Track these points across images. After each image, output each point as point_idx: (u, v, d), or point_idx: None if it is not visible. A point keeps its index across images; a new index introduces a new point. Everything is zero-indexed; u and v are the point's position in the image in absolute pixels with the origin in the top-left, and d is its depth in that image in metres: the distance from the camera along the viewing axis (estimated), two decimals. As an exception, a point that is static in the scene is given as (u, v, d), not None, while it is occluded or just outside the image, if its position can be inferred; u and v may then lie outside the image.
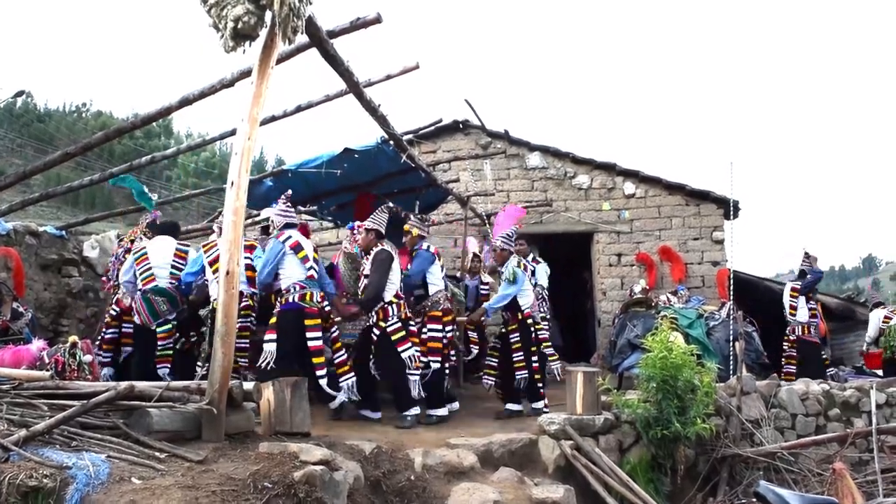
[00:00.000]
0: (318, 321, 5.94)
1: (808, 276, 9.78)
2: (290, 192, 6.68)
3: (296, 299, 5.89)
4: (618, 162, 12.14)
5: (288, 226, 6.26)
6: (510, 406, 7.02)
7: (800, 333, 9.51)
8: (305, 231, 8.68)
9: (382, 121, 6.06)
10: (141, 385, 4.09)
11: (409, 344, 6.30)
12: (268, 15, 3.77)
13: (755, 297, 11.42)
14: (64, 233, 9.16)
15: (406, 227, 7.16)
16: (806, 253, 10.05)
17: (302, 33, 4.02)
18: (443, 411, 6.59)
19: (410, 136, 8.36)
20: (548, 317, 8.24)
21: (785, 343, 9.60)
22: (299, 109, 6.76)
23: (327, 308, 6.25)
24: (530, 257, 8.08)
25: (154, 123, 31.43)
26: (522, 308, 7.02)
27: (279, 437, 4.18)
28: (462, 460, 4.85)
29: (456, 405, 7.14)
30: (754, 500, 3.81)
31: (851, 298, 12.93)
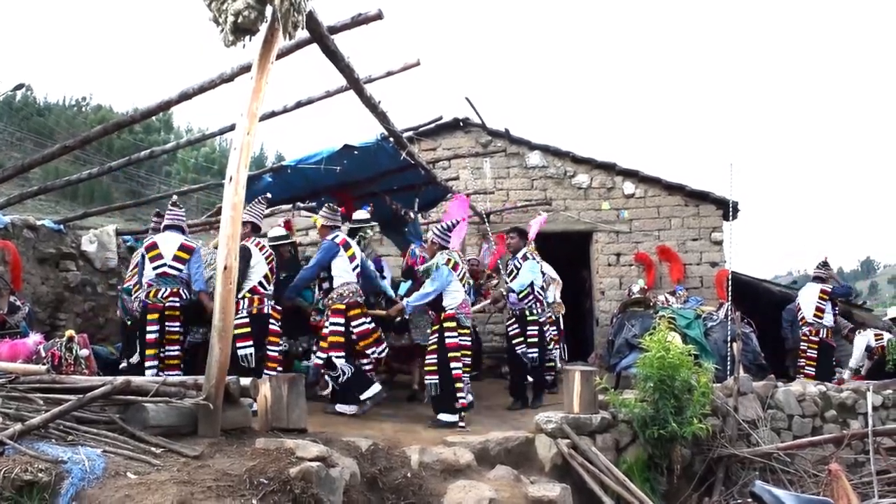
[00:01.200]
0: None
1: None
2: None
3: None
4: (617, 162, 12.15)
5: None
6: (441, 416, 6.31)
7: (823, 336, 9.56)
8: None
9: (382, 117, 6.05)
10: (137, 380, 4.08)
11: (249, 342, 6.17)
12: (268, 10, 3.76)
13: (753, 298, 11.42)
14: (62, 227, 9.14)
15: (314, 217, 7.13)
16: (825, 261, 10.21)
17: (302, 28, 4.01)
18: (350, 409, 6.31)
19: (410, 133, 8.37)
20: (539, 318, 7.70)
21: (804, 344, 9.58)
22: (299, 105, 6.75)
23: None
24: (520, 254, 7.68)
25: (154, 118, 31.48)
26: (446, 308, 6.49)
27: (276, 434, 4.18)
28: (459, 458, 4.84)
29: (375, 388, 6.48)
30: (750, 500, 3.81)
31: (849, 301, 12.93)
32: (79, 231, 9.77)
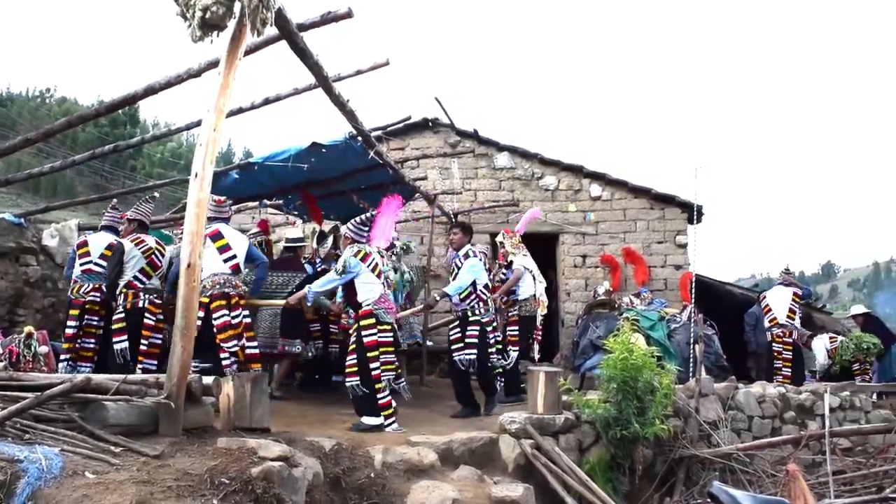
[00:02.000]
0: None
1: (805, 289, 10.43)
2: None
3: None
4: (585, 164, 12.24)
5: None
6: (364, 419, 5.99)
7: (795, 338, 9.75)
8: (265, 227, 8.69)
9: (351, 116, 6.03)
10: (98, 378, 4.03)
11: (124, 336, 6.36)
12: (237, 6, 3.72)
13: (716, 300, 11.59)
14: (23, 220, 8.96)
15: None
16: (787, 268, 10.71)
17: (271, 25, 3.99)
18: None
19: (379, 132, 8.35)
20: (482, 318, 7.09)
21: (778, 346, 9.72)
22: (267, 102, 6.70)
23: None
24: (462, 252, 7.22)
25: (120, 112, 31.01)
26: (362, 304, 6.17)
27: (238, 433, 4.14)
28: (422, 458, 4.84)
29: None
30: (708, 500, 3.86)
31: (810, 304, 13.18)
32: (40, 225, 9.59)
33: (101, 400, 3.76)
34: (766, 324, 9.89)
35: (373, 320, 6.07)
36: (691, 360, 8.37)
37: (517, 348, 8.03)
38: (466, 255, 7.21)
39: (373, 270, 6.21)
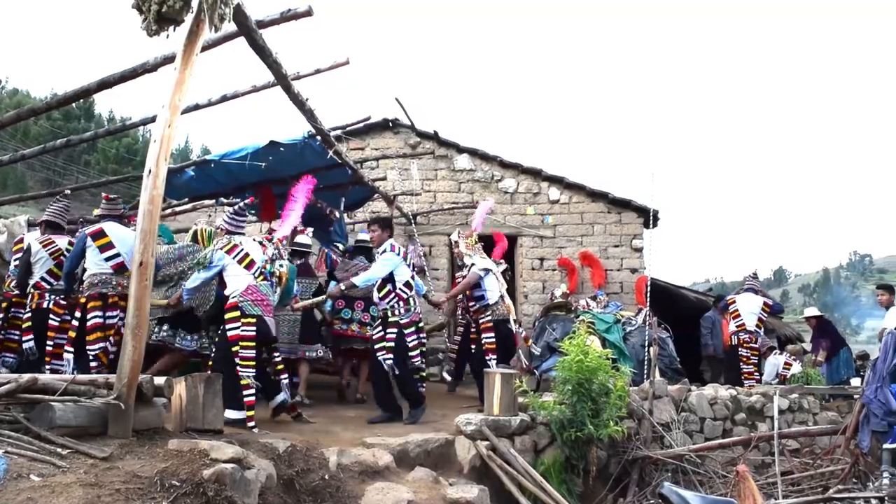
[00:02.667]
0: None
1: (776, 304, 10.57)
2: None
3: None
4: (544, 168, 12.32)
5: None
6: (227, 413, 5.34)
7: (759, 345, 9.89)
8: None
9: (310, 115, 5.99)
10: (45, 378, 3.93)
11: (30, 336, 6.41)
12: (194, 0, 3.67)
13: (671, 304, 11.76)
14: (-32, 216, 8.74)
15: None
16: (755, 273, 10.80)
17: (230, 21, 3.94)
18: None
19: (339, 132, 8.29)
20: (401, 319, 6.65)
21: (746, 352, 9.78)
22: (225, 99, 6.62)
23: None
24: (381, 249, 6.80)
25: (74, 105, 30.40)
26: (229, 296, 5.92)
27: (190, 434, 4.08)
28: (377, 460, 4.83)
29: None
30: (660, 501, 3.92)
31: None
32: (-13, 220, 9.34)
33: (47, 400, 3.67)
34: (733, 328, 9.96)
35: (237, 313, 5.79)
36: (646, 362, 8.48)
37: (495, 356, 7.49)
38: (384, 251, 6.80)
39: (240, 262, 5.94)
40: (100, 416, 3.80)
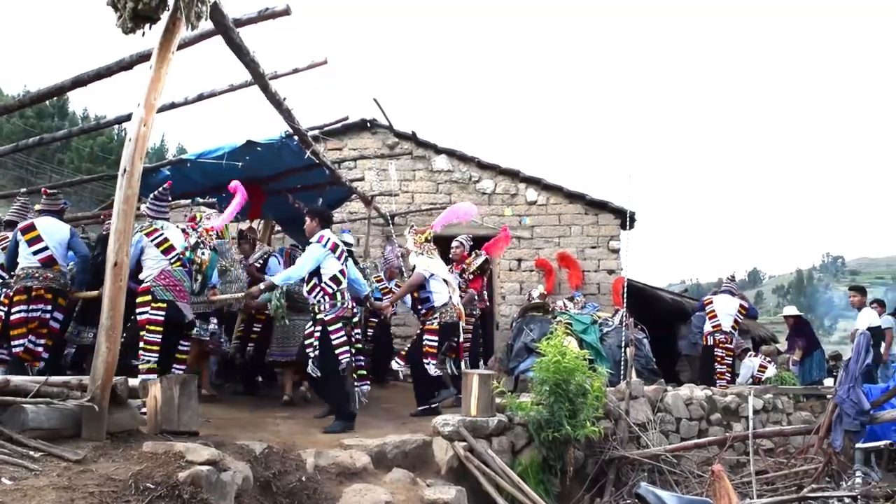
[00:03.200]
0: None
1: (752, 308, 10.61)
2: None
3: None
4: (521, 169, 12.34)
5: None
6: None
7: (734, 346, 9.96)
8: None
9: (287, 115, 5.96)
10: (16, 379, 3.88)
11: None
12: (171, -2, 3.64)
13: (647, 305, 11.83)
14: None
15: None
16: (733, 276, 11.01)
17: (206, 19, 3.92)
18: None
19: (316, 132, 8.24)
20: (326, 316, 6.17)
21: (721, 352, 9.84)
22: (201, 98, 6.55)
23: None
24: (313, 239, 6.37)
25: (47, 103, 30.00)
26: (142, 280, 5.90)
27: (165, 437, 4.04)
28: (355, 461, 4.81)
29: None
30: (636, 500, 3.94)
31: (748, 315, 13.59)
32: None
33: (19, 402, 3.62)
34: (709, 328, 10.01)
35: (149, 297, 5.81)
36: (622, 363, 8.52)
37: (434, 360, 7.06)
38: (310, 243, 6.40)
39: (158, 246, 5.95)
40: (73, 418, 3.76)
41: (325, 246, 6.24)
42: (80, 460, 3.30)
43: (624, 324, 9.16)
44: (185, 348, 6.24)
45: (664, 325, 11.41)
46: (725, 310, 9.95)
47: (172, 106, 6.60)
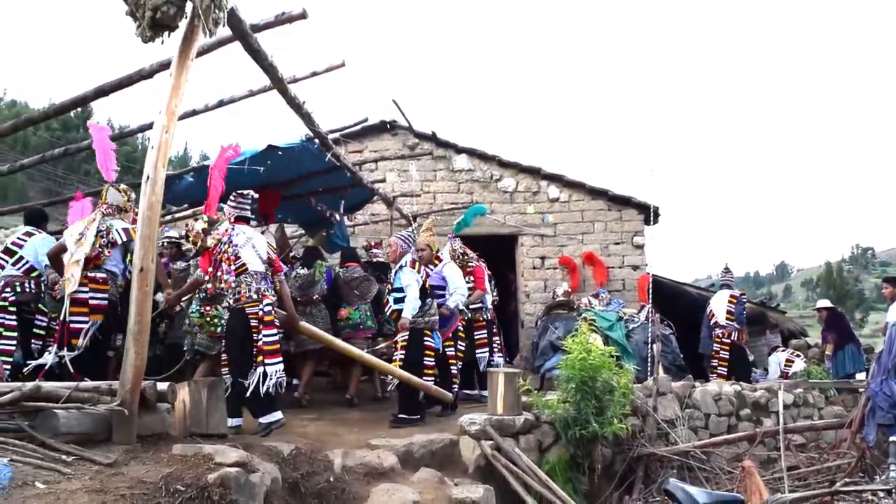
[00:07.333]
0: None
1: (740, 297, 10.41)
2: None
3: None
4: (543, 166, 12.28)
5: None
6: None
7: (735, 338, 9.89)
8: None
9: (307, 118, 5.99)
10: (48, 385, 3.93)
11: None
12: (188, 5, 3.67)
13: (673, 301, 11.74)
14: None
15: None
16: (727, 267, 10.93)
17: (224, 26, 3.94)
18: None
19: (336, 134, 8.28)
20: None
21: (717, 345, 9.89)
22: (221, 104, 6.60)
23: None
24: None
25: (72, 114, 30.37)
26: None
27: (194, 439, 4.09)
28: (382, 461, 4.83)
29: None
30: (666, 497, 3.91)
31: (764, 303, 13.46)
32: (-11, 231, 9.36)
33: (51, 408, 3.67)
34: (711, 325, 10.11)
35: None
36: (649, 359, 8.48)
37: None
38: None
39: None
40: (104, 422, 3.80)
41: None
42: (112, 464, 3.34)
43: (650, 320, 9.11)
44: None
45: (692, 320, 11.30)
46: (718, 303, 10.04)
47: (194, 113, 6.66)
